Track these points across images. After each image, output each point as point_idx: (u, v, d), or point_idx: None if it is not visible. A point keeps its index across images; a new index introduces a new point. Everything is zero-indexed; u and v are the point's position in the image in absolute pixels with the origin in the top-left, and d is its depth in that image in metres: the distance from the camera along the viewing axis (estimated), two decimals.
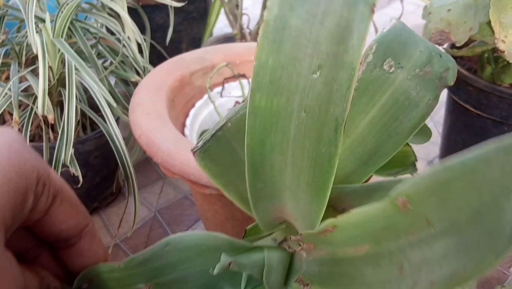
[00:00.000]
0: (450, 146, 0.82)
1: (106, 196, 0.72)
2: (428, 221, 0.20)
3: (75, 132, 0.62)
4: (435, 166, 0.20)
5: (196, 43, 1.03)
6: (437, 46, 0.35)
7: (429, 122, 0.99)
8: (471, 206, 0.19)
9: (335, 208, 0.37)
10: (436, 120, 1.00)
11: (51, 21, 0.57)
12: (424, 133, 0.52)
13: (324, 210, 0.25)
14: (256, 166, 0.27)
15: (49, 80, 0.58)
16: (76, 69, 0.53)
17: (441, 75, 0.32)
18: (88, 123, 0.65)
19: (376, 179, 0.44)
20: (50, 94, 0.59)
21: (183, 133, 0.60)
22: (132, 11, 0.80)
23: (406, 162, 0.44)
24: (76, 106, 0.59)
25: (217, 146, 0.32)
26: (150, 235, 0.68)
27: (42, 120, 0.54)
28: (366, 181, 0.52)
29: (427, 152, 0.91)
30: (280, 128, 0.25)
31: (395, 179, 0.35)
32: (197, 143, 0.33)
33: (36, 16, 0.58)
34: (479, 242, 0.19)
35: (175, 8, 0.84)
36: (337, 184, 0.38)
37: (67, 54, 0.51)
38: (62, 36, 0.57)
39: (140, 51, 0.71)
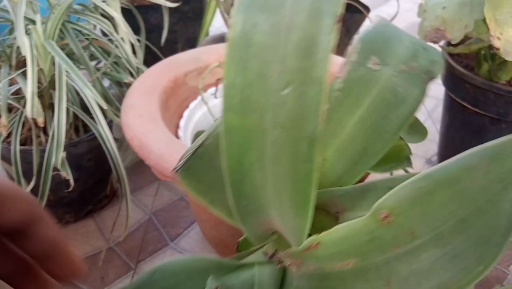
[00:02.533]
0: (448, 144, 0.81)
1: (101, 199, 0.71)
2: (412, 233, 0.20)
3: (67, 135, 0.61)
4: (416, 175, 0.19)
5: (192, 43, 1.02)
6: (422, 40, 0.34)
7: (427, 120, 0.99)
8: (456, 216, 0.18)
9: (328, 211, 0.37)
10: (435, 117, 0.99)
11: (42, 23, 0.56)
12: (420, 132, 0.52)
13: (308, 224, 0.25)
14: (237, 184, 0.27)
15: (41, 83, 0.58)
16: (66, 71, 0.53)
17: (427, 69, 0.31)
18: (81, 126, 0.64)
19: (374, 176, 0.43)
20: (41, 96, 0.58)
21: (177, 134, 0.60)
22: (126, 12, 0.80)
23: (400, 157, 0.44)
24: (68, 108, 0.59)
25: (199, 163, 0.32)
26: (145, 238, 0.68)
27: (32, 124, 0.54)
28: (363, 179, 0.51)
29: (425, 150, 0.90)
30: (256, 146, 0.24)
31: (387, 178, 0.34)
32: (178, 162, 0.33)
33: (27, 18, 0.58)
34: (466, 252, 0.18)
35: (170, 8, 0.83)
36: (329, 186, 0.37)
37: (57, 57, 0.51)
38: (53, 38, 0.56)
39: (135, 52, 0.70)
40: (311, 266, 0.26)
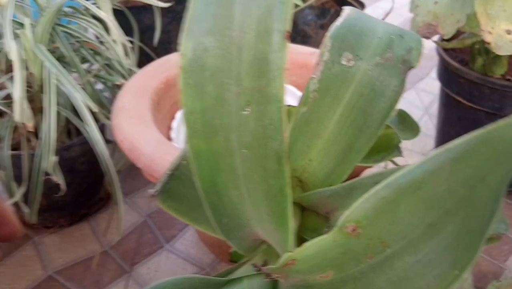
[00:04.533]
0: (445, 139, 0.81)
1: (95, 202, 0.71)
2: (382, 243, 0.20)
3: (59, 138, 0.61)
4: (380, 184, 0.19)
5: None
6: (399, 26, 0.33)
7: (424, 115, 0.98)
8: (424, 222, 0.18)
9: (318, 213, 0.36)
10: (432, 113, 0.99)
11: (32, 27, 0.56)
12: (412, 129, 0.51)
13: (290, 236, 0.25)
14: (214, 203, 0.27)
15: (31, 87, 0.57)
16: (56, 75, 0.52)
17: (404, 59, 0.31)
18: (73, 129, 0.64)
19: (374, 169, 0.43)
20: (32, 101, 0.58)
21: (169, 136, 0.59)
22: (119, 13, 0.79)
23: (390, 145, 0.44)
24: (59, 112, 0.59)
25: (177, 185, 0.32)
26: (140, 240, 0.67)
27: (23, 128, 0.54)
28: (359, 174, 0.51)
29: (422, 145, 0.90)
30: (226, 166, 0.25)
31: (375, 173, 0.34)
32: (155, 186, 0.33)
33: (16, 22, 0.58)
34: (439, 257, 0.18)
35: (164, 9, 0.83)
36: (318, 186, 0.37)
37: (46, 60, 0.51)
38: (43, 42, 0.56)
39: (127, 54, 0.70)
40: (296, 278, 0.26)
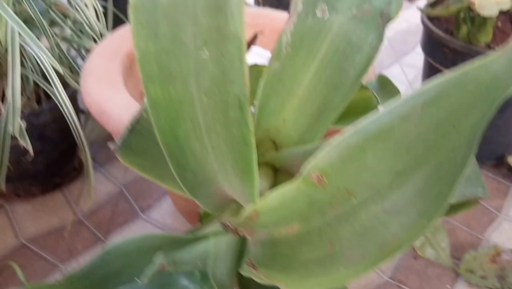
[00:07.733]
0: None
1: (69, 171, 0.69)
2: (348, 192, 0.19)
3: (28, 104, 0.59)
4: (345, 130, 0.18)
5: None
6: None
7: (408, 89, 0.97)
8: (392, 169, 0.17)
9: (292, 174, 0.35)
10: (416, 87, 0.98)
11: None
12: (393, 94, 0.50)
13: (256, 189, 0.23)
14: (176, 158, 0.25)
15: None
16: (20, 35, 0.50)
17: (382, 11, 0.29)
18: (43, 95, 0.61)
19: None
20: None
21: (142, 101, 0.57)
22: None
23: (369, 107, 0.43)
24: (27, 76, 0.56)
25: (139, 140, 0.31)
26: (115, 210, 0.66)
27: None
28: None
29: None
30: (186, 116, 0.23)
31: None
32: (116, 141, 0.31)
33: None
34: (406, 206, 0.17)
35: None
36: (293, 145, 0.35)
37: (9, 19, 0.48)
38: (8, 3, 0.53)
39: (100, 18, 0.67)
40: (262, 233, 0.25)
